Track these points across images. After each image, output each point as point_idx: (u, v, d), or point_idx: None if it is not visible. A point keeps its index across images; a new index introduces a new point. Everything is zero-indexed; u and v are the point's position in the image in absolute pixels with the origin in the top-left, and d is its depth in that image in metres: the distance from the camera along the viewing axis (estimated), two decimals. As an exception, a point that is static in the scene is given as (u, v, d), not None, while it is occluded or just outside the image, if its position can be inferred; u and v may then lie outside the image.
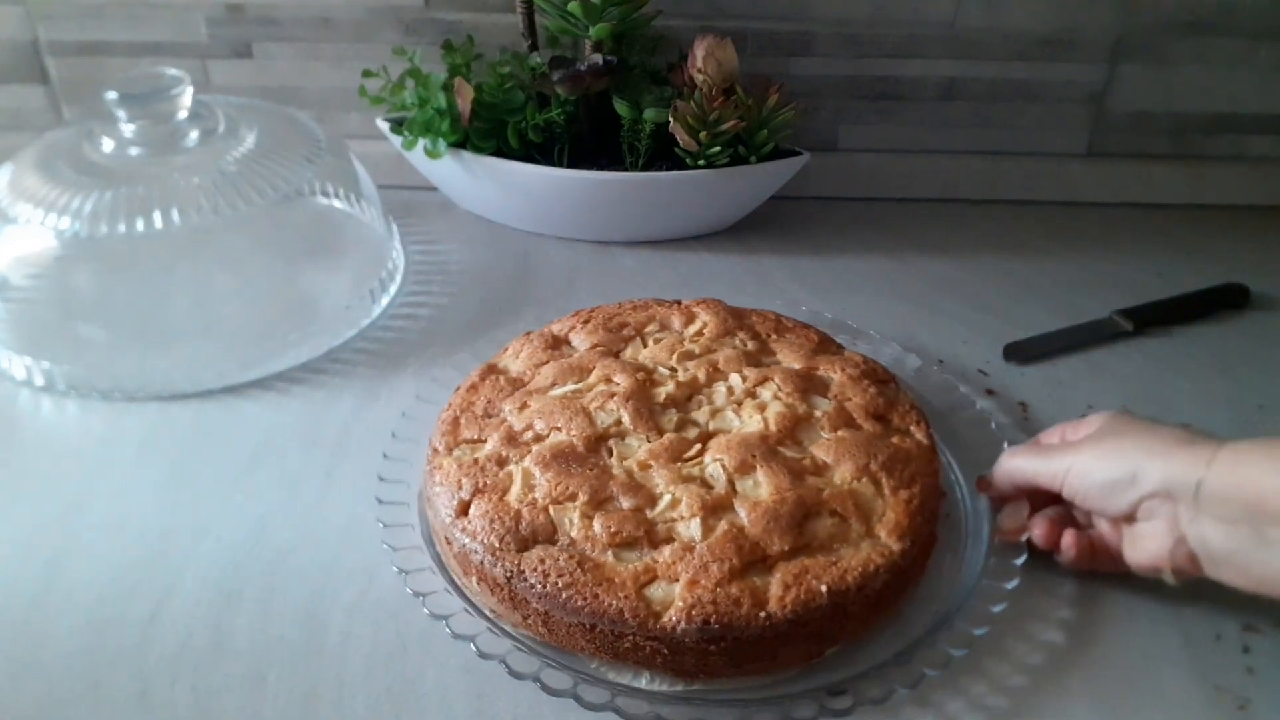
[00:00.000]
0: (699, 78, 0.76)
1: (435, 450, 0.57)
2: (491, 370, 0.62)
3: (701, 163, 0.77)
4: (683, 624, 0.47)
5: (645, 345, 0.63)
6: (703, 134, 0.76)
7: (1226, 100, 0.88)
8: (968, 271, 0.82)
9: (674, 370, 0.60)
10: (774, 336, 0.64)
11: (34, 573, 0.54)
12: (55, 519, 0.58)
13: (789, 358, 0.62)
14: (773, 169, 0.80)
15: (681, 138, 0.76)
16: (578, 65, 0.77)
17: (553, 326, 0.65)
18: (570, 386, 0.59)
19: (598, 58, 0.77)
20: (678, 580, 0.48)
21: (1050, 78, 0.86)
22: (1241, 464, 0.46)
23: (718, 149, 0.77)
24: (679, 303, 0.67)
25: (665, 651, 0.48)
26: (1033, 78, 0.86)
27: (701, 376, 0.60)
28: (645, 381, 0.59)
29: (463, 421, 0.58)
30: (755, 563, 0.49)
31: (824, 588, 0.48)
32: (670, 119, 0.76)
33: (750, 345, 0.63)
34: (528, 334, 0.65)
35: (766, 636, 0.48)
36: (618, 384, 0.58)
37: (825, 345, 0.64)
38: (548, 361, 0.62)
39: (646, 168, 0.80)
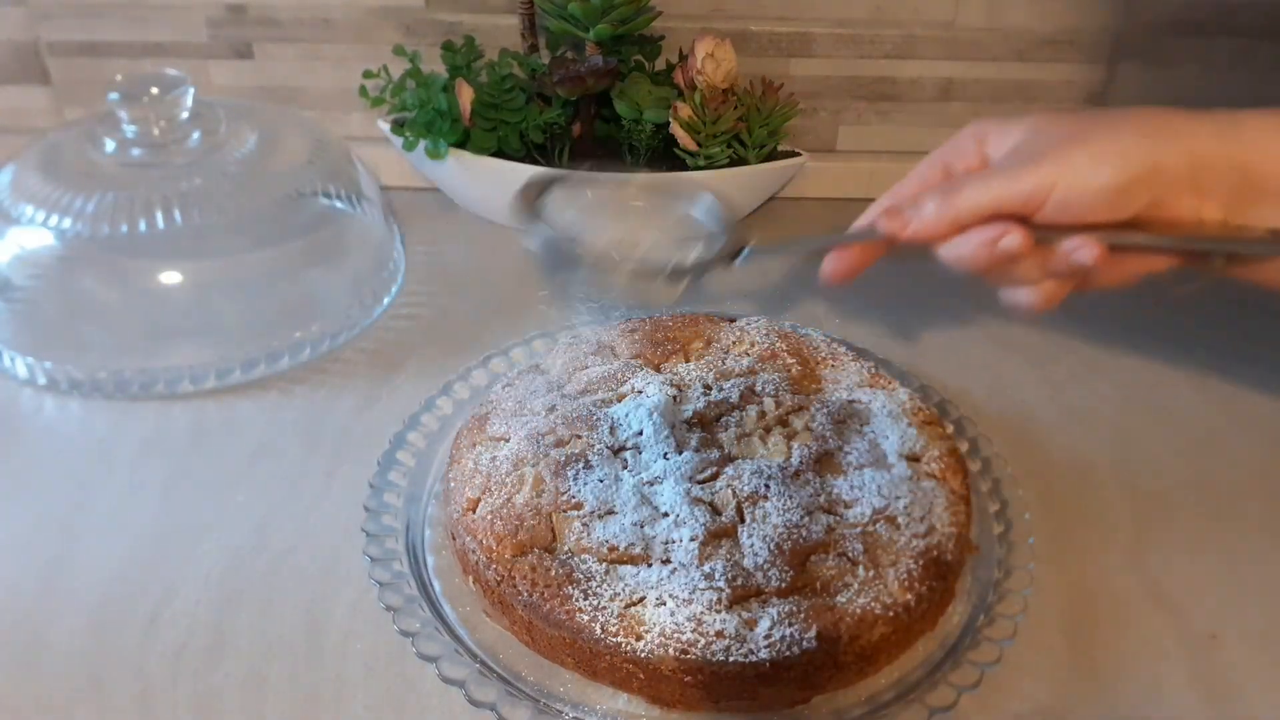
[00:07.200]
0: (699, 78, 0.76)
1: (461, 444, 0.57)
2: (534, 369, 0.61)
3: (701, 163, 0.77)
4: (658, 650, 0.45)
5: (688, 360, 0.61)
6: (703, 134, 0.76)
7: (1226, 100, 0.87)
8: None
9: (709, 388, 0.58)
10: (823, 364, 0.62)
11: (35, 572, 0.55)
12: (57, 519, 0.58)
13: (834, 387, 0.60)
14: (772, 170, 0.80)
15: (681, 138, 0.76)
16: (578, 66, 0.78)
17: (601, 333, 0.64)
18: (601, 394, 0.58)
19: (598, 58, 0.77)
20: (664, 604, 0.47)
21: (1050, 78, 0.86)
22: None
23: (718, 149, 0.77)
24: (732, 320, 0.65)
25: (641, 676, 0.46)
26: (1033, 78, 0.86)
27: (735, 397, 0.57)
28: (677, 397, 0.57)
29: (493, 418, 0.57)
30: (748, 597, 0.47)
31: (813, 631, 0.46)
32: (670, 119, 0.76)
33: (796, 370, 0.60)
34: (575, 337, 0.64)
35: (747, 675, 0.45)
36: (648, 397, 0.57)
37: (876, 379, 0.61)
38: (588, 367, 0.61)
39: (646, 168, 0.80)
